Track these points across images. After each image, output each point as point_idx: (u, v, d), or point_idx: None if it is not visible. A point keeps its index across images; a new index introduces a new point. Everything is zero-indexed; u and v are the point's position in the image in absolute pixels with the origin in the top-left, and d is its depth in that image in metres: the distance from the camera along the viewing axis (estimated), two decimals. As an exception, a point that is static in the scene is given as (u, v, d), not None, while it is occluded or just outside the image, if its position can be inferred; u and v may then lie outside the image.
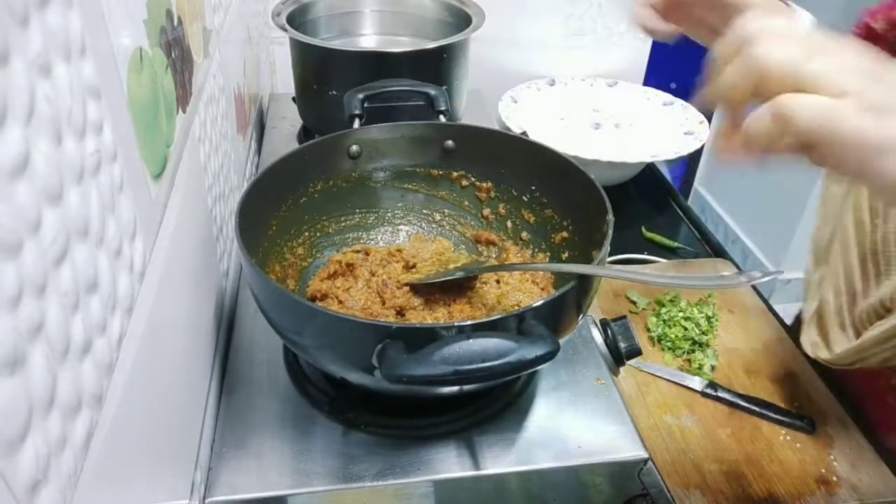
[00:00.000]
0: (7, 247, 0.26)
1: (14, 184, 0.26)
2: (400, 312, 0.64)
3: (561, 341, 0.54)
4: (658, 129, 1.25)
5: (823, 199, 0.68)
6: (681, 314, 0.89)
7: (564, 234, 0.70)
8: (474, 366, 0.42)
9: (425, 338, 0.45)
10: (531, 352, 0.43)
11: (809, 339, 0.70)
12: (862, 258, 0.63)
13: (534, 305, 0.49)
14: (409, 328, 0.52)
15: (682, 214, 1.18)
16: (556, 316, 0.52)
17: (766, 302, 0.93)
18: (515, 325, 0.47)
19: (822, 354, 0.68)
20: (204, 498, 0.52)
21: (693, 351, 0.84)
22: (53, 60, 0.30)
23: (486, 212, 0.77)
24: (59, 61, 0.31)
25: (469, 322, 0.46)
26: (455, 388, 0.54)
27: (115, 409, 0.35)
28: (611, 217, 0.58)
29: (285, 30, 0.93)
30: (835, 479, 0.69)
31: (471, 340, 0.43)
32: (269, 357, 0.64)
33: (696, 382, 0.79)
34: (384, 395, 0.57)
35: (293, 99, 1.07)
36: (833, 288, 0.67)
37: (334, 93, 0.93)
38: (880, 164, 0.32)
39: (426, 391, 0.57)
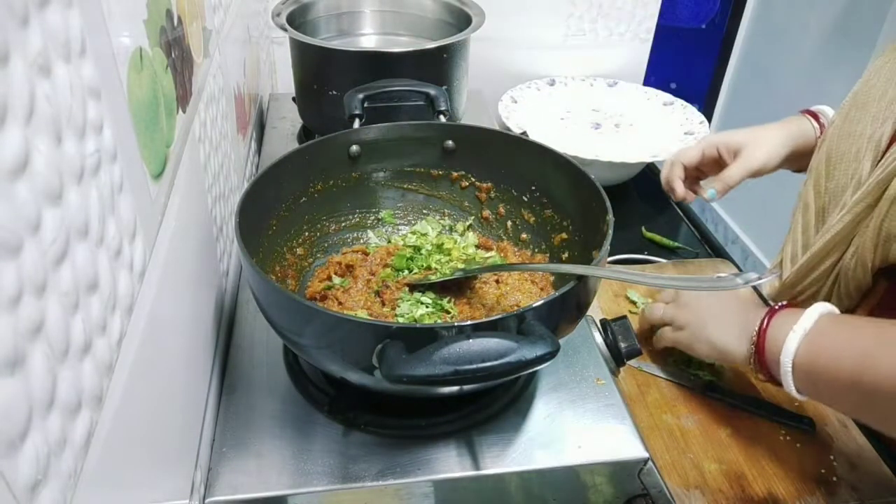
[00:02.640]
0: (7, 247, 0.26)
1: (14, 184, 0.26)
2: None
3: (561, 341, 0.55)
4: (658, 129, 1.25)
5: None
6: None
7: (564, 234, 0.70)
8: (474, 366, 0.42)
9: (425, 338, 0.45)
10: (531, 352, 0.43)
11: (769, 283, 0.82)
12: (816, 215, 0.74)
13: (534, 305, 0.49)
14: (409, 328, 0.52)
15: (682, 214, 1.18)
16: (556, 316, 0.52)
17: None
18: (515, 325, 0.47)
19: (772, 293, 0.80)
20: (204, 498, 0.52)
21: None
22: (53, 60, 0.30)
23: (486, 213, 0.77)
24: (59, 61, 0.31)
25: (469, 322, 0.46)
26: (455, 389, 0.54)
27: (115, 409, 0.35)
28: (611, 217, 0.58)
29: (285, 30, 0.93)
30: (835, 479, 0.69)
31: (471, 340, 0.43)
32: (269, 357, 0.64)
33: (696, 382, 0.79)
34: (384, 395, 0.57)
35: (293, 99, 1.07)
36: (791, 242, 0.78)
37: (334, 93, 0.93)
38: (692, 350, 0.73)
39: (426, 391, 0.57)
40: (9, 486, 0.25)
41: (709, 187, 0.85)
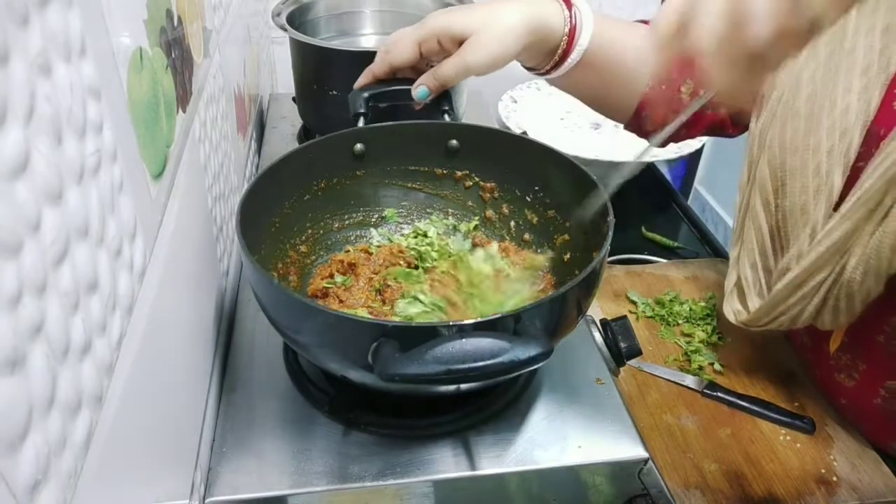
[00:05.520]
0: (7, 247, 0.26)
1: (14, 184, 0.26)
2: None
3: (561, 341, 0.55)
4: (658, 129, 1.25)
5: (740, 183, 0.75)
6: (682, 314, 0.89)
7: (566, 236, 0.69)
8: (466, 365, 0.42)
9: (420, 336, 0.45)
10: (524, 352, 0.43)
11: (732, 308, 0.76)
12: (771, 235, 0.70)
13: (531, 306, 0.48)
14: (403, 327, 0.51)
15: (682, 214, 1.18)
16: (554, 316, 0.51)
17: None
18: (511, 325, 0.47)
19: (742, 318, 0.74)
20: (204, 498, 0.52)
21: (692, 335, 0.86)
22: (53, 60, 0.30)
23: (490, 213, 0.77)
24: (59, 61, 0.31)
25: (464, 322, 0.46)
26: (452, 387, 0.54)
27: (115, 409, 0.35)
28: (611, 219, 0.58)
29: (285, 30, 0.93)
30: (835, 479, 0.69)
31: (464, 340, 0.43)
32: (269, 357, 0.64)
33: (696, 382, 0.79)
34: (384, 394, 0.57)
35: (293, 99, 1.07)
36: (750, 263, 0.73)
37: (334, 93, 0.93)
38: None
39: (423, 390, 0.57)
40: (9, 486, 0.25)
41: (420, 86, 0.71)
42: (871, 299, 0.62)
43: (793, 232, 0.67)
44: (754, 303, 0.72)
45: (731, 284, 0.76)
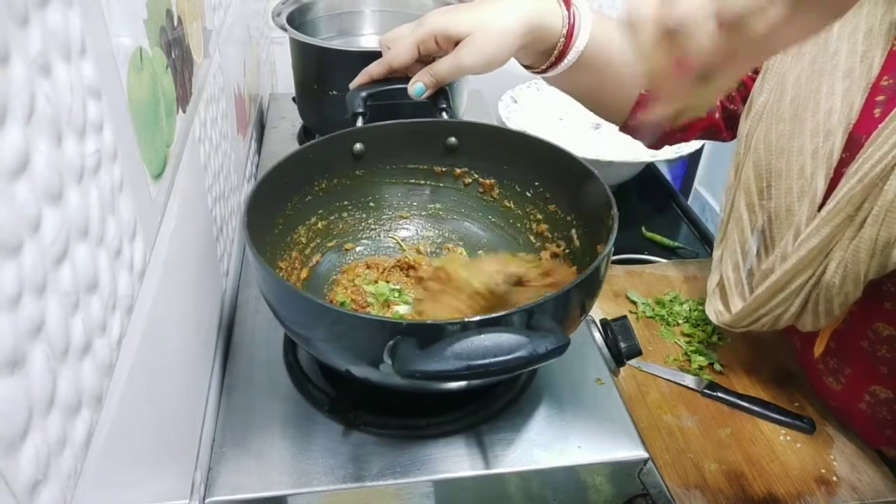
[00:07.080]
0: (7, 247, 0.26)
1: (14, 184, 0.26)
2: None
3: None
4: (658, 129, 1.25)
5: (726, 185, 0.75)
6: (682, 314, 0.89)
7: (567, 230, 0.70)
8: (486, 360, 0.42)
9: (436, 334, 0.45)
10: (542, 346, 0.43)
11: (714, 308, 0.76)
12: (755, 237, 0.70)
13: (540, 301, 0.49)
14: (419, 324, 0.51)
15: (682, 214, 1.18)
16: (560, 313, 0.51)
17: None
18: (524, 320, 0.47)
19: (724, 319, 0.74)
20: (204, 498, 0.52)
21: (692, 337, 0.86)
22: (53, 60, 0.30)
23: (488, 210, 0.77)
24: (59, 61, 0.31)
25: (479, 317, 0.46)
26: (462, 384, 0.54)
27: (115, 409, 0.35)
28: (615, 212, 0.58)
29: (285, 30, 0.93)
30: (835, 479, 0.69)
31: (482, 336, 0.43)
32: (269, 357, 0.64)
33: (696, 382, 0.79)
34: (384, 394, 0.57)
35: (293, 99, 1.07)
36: (732, 264, 0.73)
37: (334, 93, 0.93)
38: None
39: (432, 386, 0.56)
40: (9, 486, 0.25)
41: (416, 83, 0.71)
42: (849, 303, 0.62)
43: (778, 233, 0.67)
44: (736, 304, 0.72)
45: (714, 285, 0.76)
